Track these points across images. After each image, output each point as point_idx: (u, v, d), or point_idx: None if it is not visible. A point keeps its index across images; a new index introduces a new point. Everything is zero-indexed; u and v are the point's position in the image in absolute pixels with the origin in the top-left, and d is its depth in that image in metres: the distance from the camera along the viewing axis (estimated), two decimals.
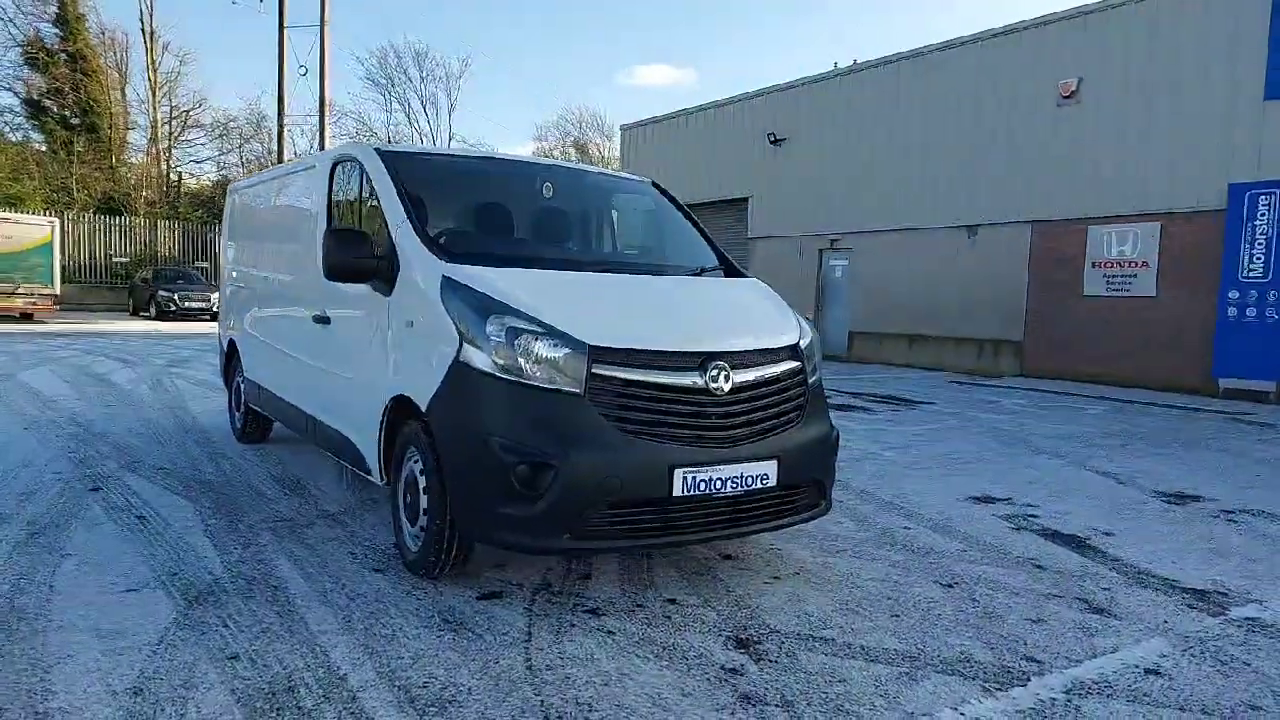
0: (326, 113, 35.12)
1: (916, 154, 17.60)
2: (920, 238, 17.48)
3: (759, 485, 3.55)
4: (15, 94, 37.00)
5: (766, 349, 3.75)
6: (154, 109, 39.30)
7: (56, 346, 14.67)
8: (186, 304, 25.14)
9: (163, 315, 24.85)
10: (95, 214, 30.99)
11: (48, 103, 36.50)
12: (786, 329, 3.96)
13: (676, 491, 3.33)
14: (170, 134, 40.84)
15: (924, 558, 4.38)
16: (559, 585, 3.70)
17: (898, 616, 3.55)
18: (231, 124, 41.80)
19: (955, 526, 5.02)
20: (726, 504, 3.52)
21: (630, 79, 70.85)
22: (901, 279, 17.79)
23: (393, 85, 59.77)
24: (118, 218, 31.30)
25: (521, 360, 3.28)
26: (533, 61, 69.90)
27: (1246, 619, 3.67)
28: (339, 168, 4.63)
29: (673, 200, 5.10)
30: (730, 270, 4.70)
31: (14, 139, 35.76)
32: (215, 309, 25.98)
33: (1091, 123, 14.77)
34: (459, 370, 3.39)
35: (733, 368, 3.54)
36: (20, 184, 30.93)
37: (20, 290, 21.21)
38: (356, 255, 3.91)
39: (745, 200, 21.43)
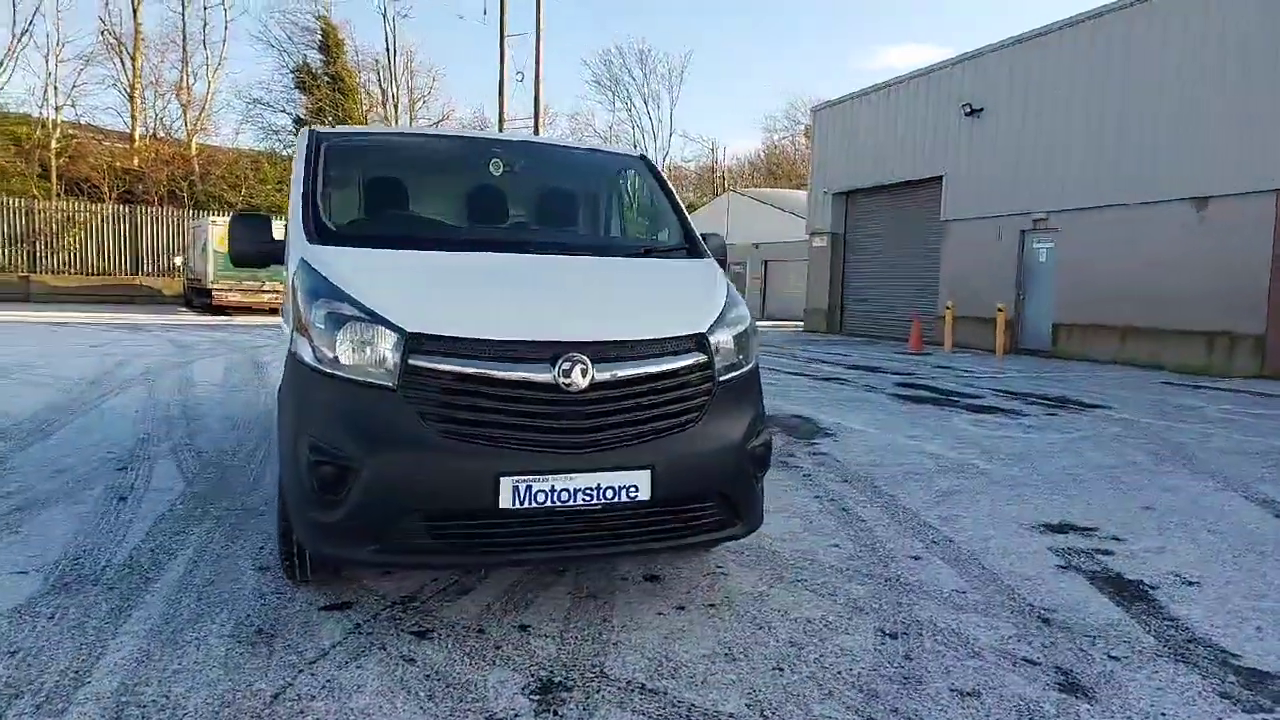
0: (542, 116, 36.82)
1: (1133, 118, 15.22)
2: (1137, 214, 15.13)
3: (625, 499, 3.01)
4: (287, 114, 42.12)
5: (652, 340, 3.17)
6: (394, 121, 42.99)
7: (268, 337, 16.31)
8: None
9: None
10: None
11: (312, 122, 41.20)
12: (696, 317, 3.34)
13: (505, 503, 2.88)
14: None
15: (897, 595, 3.57)
16: (424, 599, 3.37)
17: (781, 670, 2.88)
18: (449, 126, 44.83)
19: (983, 559, 4.10)
20: (582, 520, 3.01)
21: (869, 61, 67.92)
22: (1114, 263, 15.50)
23: (616, 85, 61.45)
24: None
25: (339, 350, 2.97)
26: (762, 50, 69.01)
27: None
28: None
29: (658, 177, 4.57)
30: (694, 251, 4.11)
31: (286, 154, 40.48)
32: None
33: None
34: (290, 360, 3.16)
35: (597, 361, 3.01)
36: (285, 193, 35.13)
37: (266, 287, 23.90)
38: (257, 240, 3.78)
39: (939, 179, 19.70)
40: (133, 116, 37.08)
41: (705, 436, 3.20)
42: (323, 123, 42.20)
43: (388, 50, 43.93)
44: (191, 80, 38.96)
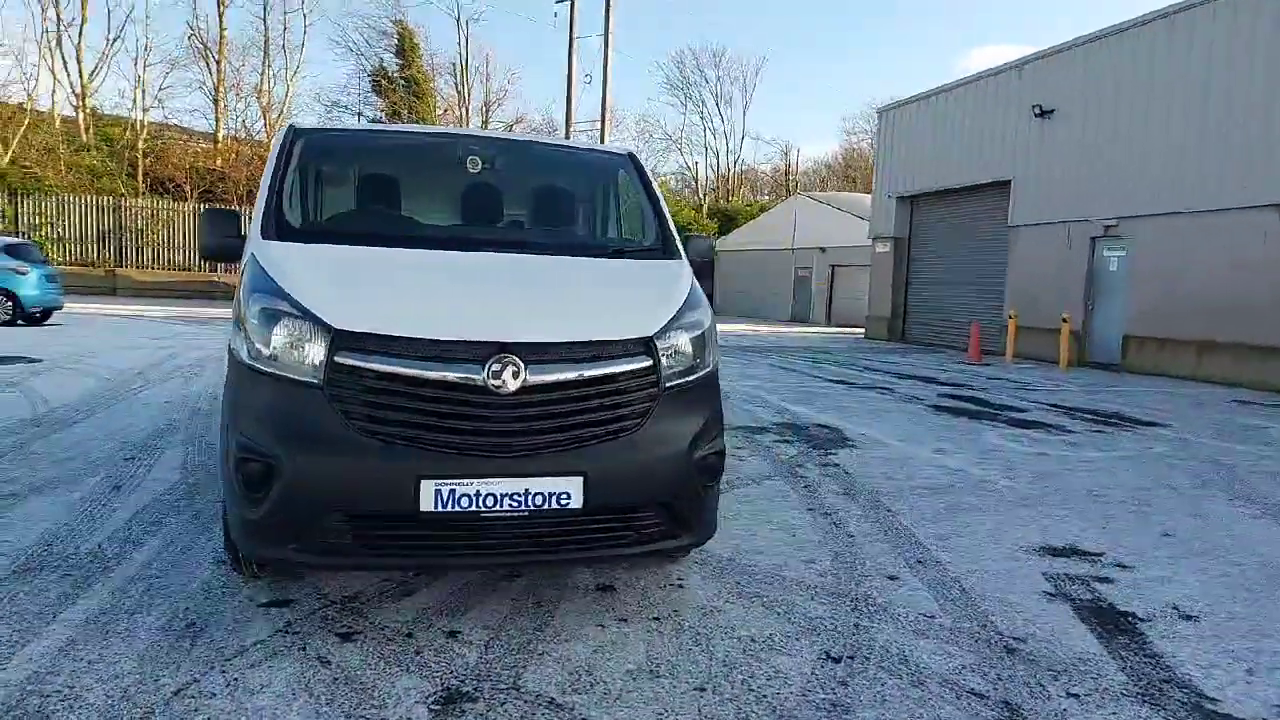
0: (608, 118, 37.00)
1: (1213, 120, 14.41)
2: (1218, 221, 14.31)
3: (555, 506, 2.93)
4: (364, 116, 43.23)
5: (592, 342, 3.08)
6: (465, 122, 43.77)
7: None
8: None
9: None
10: None
11: (386, 124, 42.26)
12: (645, 320, 3.23)
13: (426, 506, 2.83)
14: None
15: (858, 616, 3.39)
16: (365, 600, 3.34)
17: (703, 691, 2.75)
18: (527, 131, 45.40)
19: (966, 582, 3.88)
20: (509, 526, 2.94)
21: (964, 60, 66.18)
22: (1191, 273, 14.70)
23: (688, 87, 61.28)
24: None
25: (271, 346, 2.96)
26: (842, 51, 67.89)
27: None
28: None
29: (643, 177, 4.46)
30: (667, 253, 3.99)
31: None
32: None
33: None
34: (229, 356, 3.17)
35: (530, 363, 2.94)
36: None
37: None
38: (222, 235, 3.81)
39: (1007, 183, 19.02)
40: (216, 118, 38.64)
41: (647, 444, 3.09)
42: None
43: (460, 53, 44.76)
44: (271, 83, 40.34)
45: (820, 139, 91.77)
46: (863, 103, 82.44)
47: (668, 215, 4.23)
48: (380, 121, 41.86)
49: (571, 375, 3.01)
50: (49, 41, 35.26)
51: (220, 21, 38.40)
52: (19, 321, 15.44)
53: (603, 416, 3.05)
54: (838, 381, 12.12)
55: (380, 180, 4.27)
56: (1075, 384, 13.24)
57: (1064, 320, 15.95)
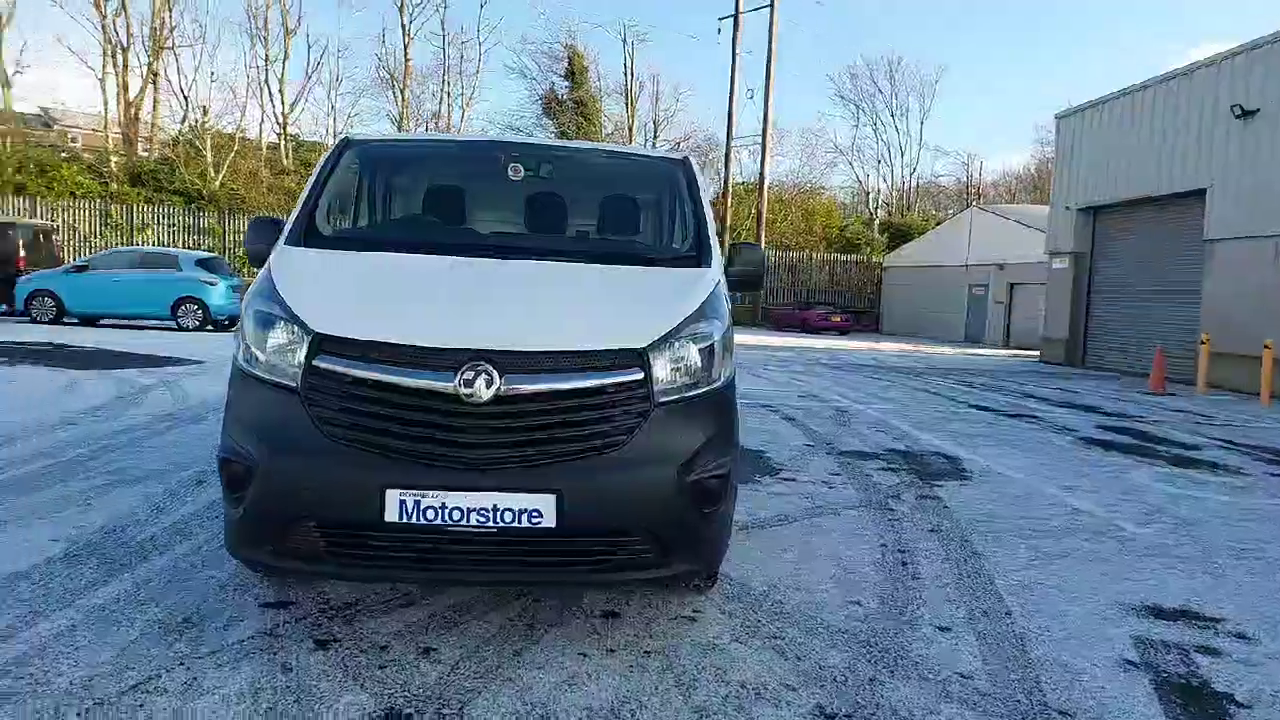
0: (769, 132, 36.62)
1: None
2: None
3: (526, 524, 2.78)
4: (532, 136, 44.98)
5: (575, 352, 2.90)
6: (630, 138, 44.61)
7: None
8: None
9: None
10: None
11: None
12: (641, 331, 3.01)
13: (390, 516, 2.75)
14: None
15: (879, 669, 3.01)
16: (362, 607, 3.31)
17: None
18: (689, 148, 45.60)
19: (1030, 640, 3.38)
20: (476, 542, 2.81)
21: (1168, 60, 60.94)
22: None
23: (862, 99, 59.50)
24: None
25: (261, 350, 2.99)
26: (1032, 58, 63.95)
27: None
28: None
29: (689, 181, 4.24)
30: (698, 261, 3.75)
31: None
32: None
33: None
34: (233, 361, 3.23)
35: (507, 372, 2.81)
36: None
37: None
38: (265, 242, 3.93)
39: (1201, 193, 17.08)
40: None
41: (632, 463, 2.88)
42: None
43: (625, 74, 45.71)
44: (449, 109, 42.81)
45: (1009, 149, 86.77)
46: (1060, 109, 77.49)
47: (708, 221, 4.00)
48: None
49: (551, 386, 2.85)
50: (257, 76, 39.20)
51: (405, 53, 41.28)
52: (208, 326, 17.09)
53: (583, 432, 2.87)
54: (983, 408, 11.22)
55: (421, 189, 4.30)
56: (1273, 419, 11.61)
57: (1266, 347, 14.07)
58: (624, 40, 44.69)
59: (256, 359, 2.99)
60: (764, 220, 36.60)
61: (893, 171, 56.51)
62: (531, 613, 3.36)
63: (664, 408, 2.97)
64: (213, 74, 58.24)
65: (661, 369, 2.99)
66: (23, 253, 17.95)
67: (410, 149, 4.91)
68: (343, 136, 4.27)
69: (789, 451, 7.18)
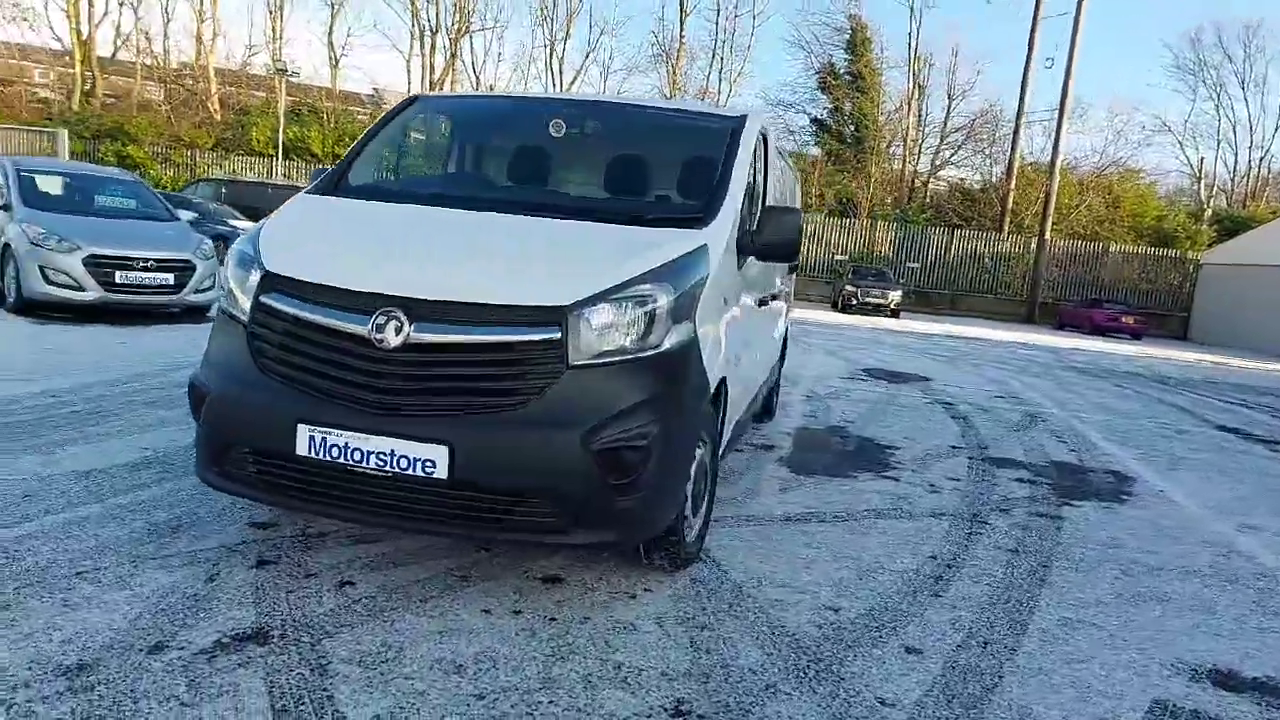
0: (1067, 108, 33.02)
1: None
2: None
3: (419, 473, 2.81)
4: (807, 114, 43.94)
5: (488, 305, 2.86)
6: (909, 121, 42.29)
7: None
8: (865, 298, 26.72)
9: (844, 308, 26.94)
10: (827, 215, 35.11)
11: (828, 120, 42.53)
12: (569, 289, 2.90)
13: (301, 450, 2.90)
14: (926, 141, 43.41)
15: (793, 687, 2.69)
16: (333, 536, 3.51)
17: (482, 698, 2.42)
18: (978, 124, 42.22)
19: (1013, 689, 2.85)
20: (374, 484, 2.88)
21: None
22: None
23: (1203, 69, 50.69)
24: (843, 219, 34.96)
25: (232, 286, 3.26)
26: None
27: None
28: None
29: (733, 140, 3.98)
30: (698, 221, 3.52)
31: (803, 153, 41.74)
32: (893, 305, 27.19)
33: None
34: None
35: (420, 320, 2.84)
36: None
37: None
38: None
39: None
40: None
41: (531, 423, 2.81)
42: (838, 121, 43.08)
43: (910, 44, 43.22)
44: (718, 84, 43.07)
45: None
46: None
47: (732, 182, 3.75)
48: (822, 120, 42.15)
49: (459, 338, 2.85)
50: (544, 57, 41.87)
51: (681, 28, 42.13)
52: None
53: (484, 386, 2.84)
54: (1229, 429, 9.44)
55: (470, 146, 4.41)
56: None
57: None
58: (910, 7, 41.98)
59: (230, 295, 3.25)
60: (1052, 204, 32.96)
61: (1235, 156, 48.09)
62: (478, 567, 3.38)
63: (580, 370, 2.85)
64: (500, 55, 63.45)
65: (584, 330, 2.87)
66: None
67: (468, 106, 5.06)
68: (411, 95, 4.49)
69: (923, 450, 6.53)
